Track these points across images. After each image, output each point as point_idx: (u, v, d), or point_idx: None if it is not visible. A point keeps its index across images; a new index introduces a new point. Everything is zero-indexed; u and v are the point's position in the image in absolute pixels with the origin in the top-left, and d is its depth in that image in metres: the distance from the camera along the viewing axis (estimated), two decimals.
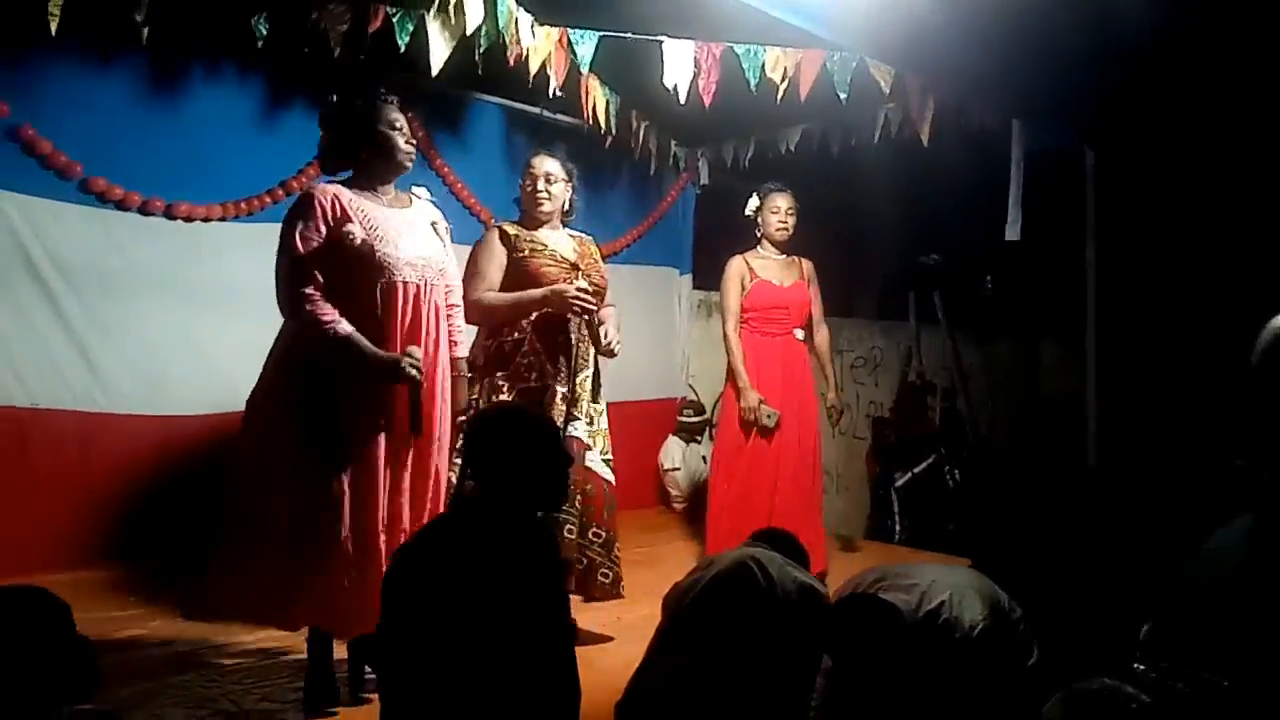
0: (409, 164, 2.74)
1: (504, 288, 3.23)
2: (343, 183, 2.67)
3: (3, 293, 3.60)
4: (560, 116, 4.95)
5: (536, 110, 4.91)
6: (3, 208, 3.58)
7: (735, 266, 4.11)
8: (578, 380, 3.22)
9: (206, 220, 4.06)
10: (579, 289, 3.15)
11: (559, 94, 4.02)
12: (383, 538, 2.54)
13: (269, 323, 2.66)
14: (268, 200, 4.16)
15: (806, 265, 4.23)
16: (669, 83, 3.91)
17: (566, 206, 3.36)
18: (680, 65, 3.92)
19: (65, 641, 1.69)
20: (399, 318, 2.59)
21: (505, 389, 3.15)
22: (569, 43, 3.87)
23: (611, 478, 3.31)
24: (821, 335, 4.29)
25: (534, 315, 3.19)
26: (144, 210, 3.90)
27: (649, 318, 5.69)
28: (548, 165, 3.33)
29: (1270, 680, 1.34)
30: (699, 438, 5.74)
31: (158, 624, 3.25)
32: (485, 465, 2.14)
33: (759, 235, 4.17)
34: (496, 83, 4.44)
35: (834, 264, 6.23)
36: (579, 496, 3.14)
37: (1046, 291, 5.26)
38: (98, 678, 1.71)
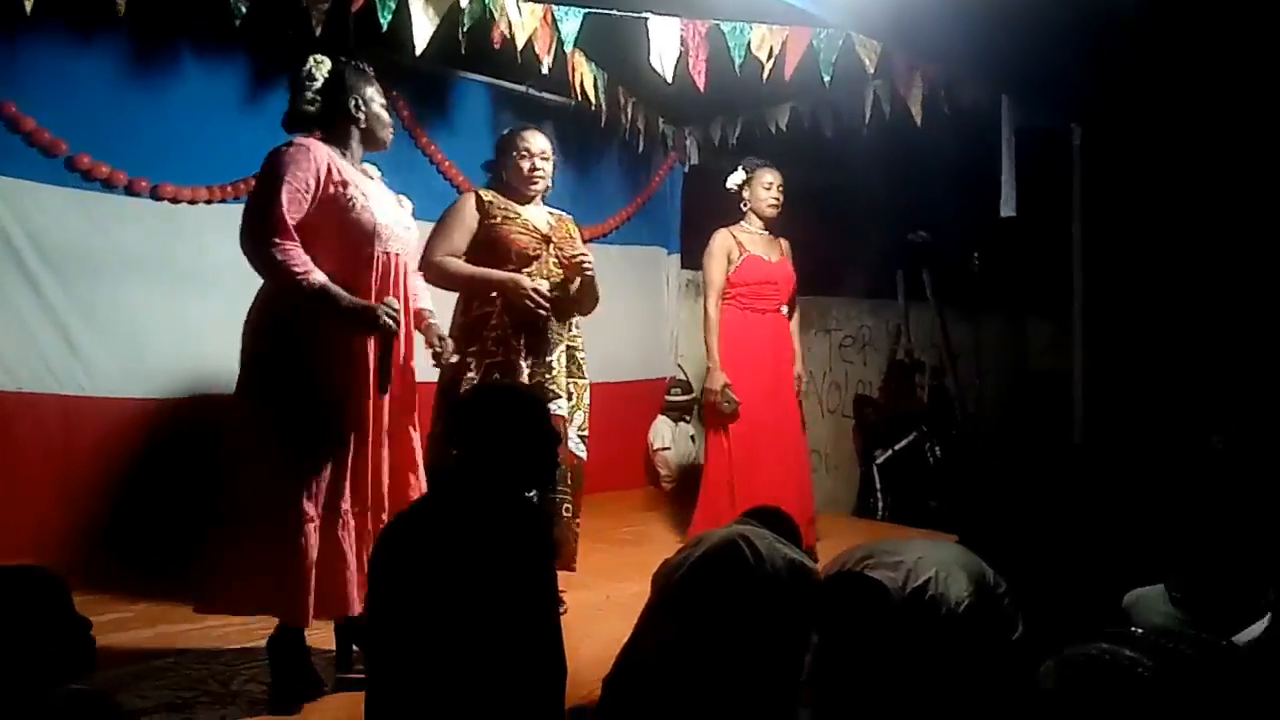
0: (388, 137, 2.71)
1: (473, 254, 3.21)
2: (321, 141, 2.57)
3: None
4: (547, 95, 4.92)
5: (523, 88, 4.88)
6: None
7: (722, 240, 4.06)
8: (550, 358, 3.19)
9: (192, 202, 4.02)
10: (535, 289, 3.10)
11: (547, 71, 3.98)
12: (352, 517, 2.52)
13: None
14: (253, 183, 4.11)
15: (785, 243, 4.21)
16: (655, 62, 3.88)
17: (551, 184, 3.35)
18: (666, 44, 3.89)
19: (63, 620, 1.70)
20: (374, 287, 2.57)
21: (472, 365, 3.13)
22: (553, 19, 3.84)
23: (583, 454, 3.30)
24: (795, 315, 4.27)
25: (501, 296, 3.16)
26: (129, 190, 3.86)
27: (637, 298, 5.68)
28: (542, 143, 3.29)
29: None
30: (688, 417, 5.75)
31: (144, 606, 3.24)
32: (474, 443, 2.14)
33: (745, 210, 4.12)
34: (482, 61, 4.40)
35: (823, 243, 6.23)
36: (567, 474, 3.14)
37: (1035, 269, 5.28)
38: (94, 657, 1.71)
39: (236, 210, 3.86)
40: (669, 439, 5.63)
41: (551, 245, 3.25)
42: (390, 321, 2.47)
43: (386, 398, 2.58)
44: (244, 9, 3.69)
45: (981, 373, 6.31)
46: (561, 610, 3.07)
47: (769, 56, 3.97)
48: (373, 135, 2.66)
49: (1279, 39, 3.34)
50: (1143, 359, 4.11)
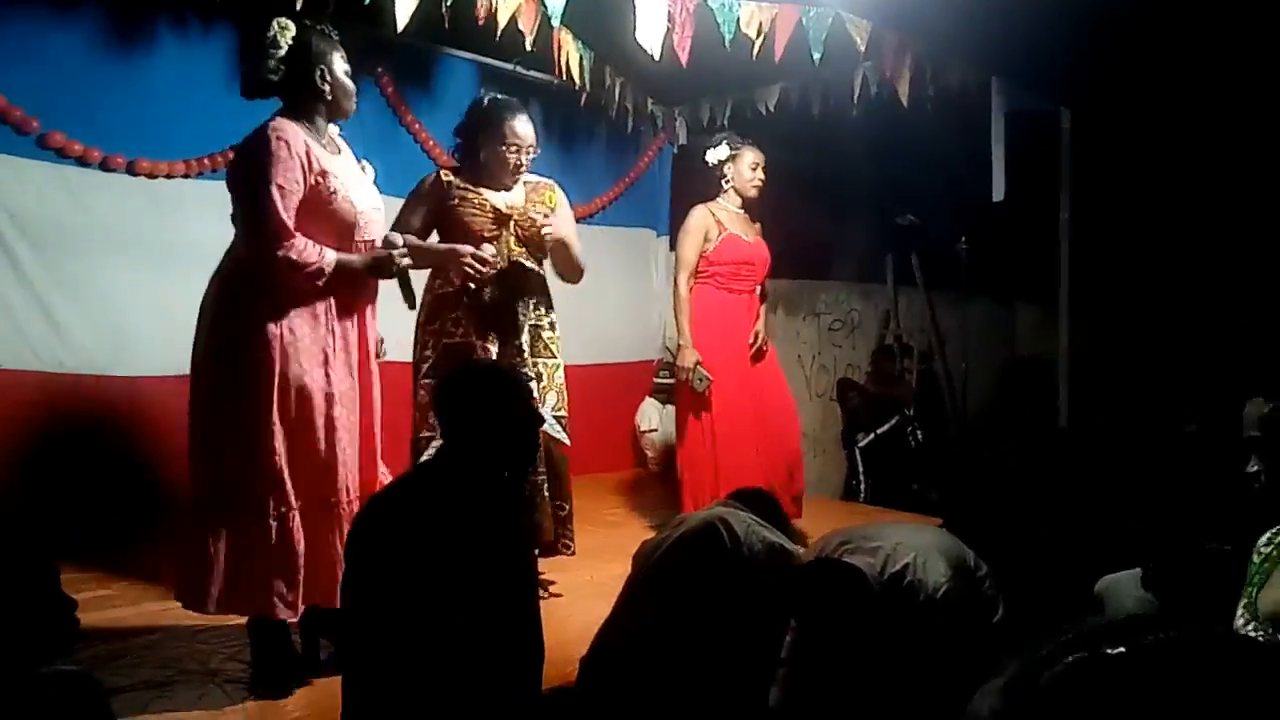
0: (351, 107, 2.62)
1: (435, 234, 3.16)
2: (290, 120, 2.49)
3: None
4: (534, 73, 4.87)
5: (510, 66, 4.82)
6: None
7: (700, 217, 3.96)
8: (518, 341, 3.13)
9: (169, 177, 3.98)
10: (474, 255, 3.00)
11: (531, 48, 3.93)
12: (325, 508, 2.48)
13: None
14: (231, 157, 4.07)
15: (757, 224, 4.16)
16: (641, 39, 3.83)
17: None
18: (653, 20, 3.84)
19: (48, 599, 1.68)
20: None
21: (431, 344, 3.10)
22: None
23: (563, 436, 3.22)
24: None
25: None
26: (104, 166, 3.82)
27: (625, 279, 5.66)
28: (531, 135, 3.18)
29: None
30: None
31: (125, 584, 3.24)
32: (453, 424, 2.12)
33: (727, 186, 4.03)
34: (468, 37, 4.35)
35: (812, 225, 6.21)
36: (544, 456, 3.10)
37: (1023, 254, 5.27)
38: (78, 637, 1.70)
39: (215, 184, 3.89)
40: (656, 421, 5.63)
41: (511, 223, 3.16)
42: (400, 263, 2.54)
43: (355, 387, 2.56)
44: None
45: (970, 357, 6.30)
46: (548, 594, 3.09)
47: (758, 33, 3.93)
48: (337, 106, 2.57)
49: (1269, 24, 3.33)
50: (1128, 344, 4.10)
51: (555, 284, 3.40)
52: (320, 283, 2.42)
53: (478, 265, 3.00)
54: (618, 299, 5.50)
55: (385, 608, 1.91)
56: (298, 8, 3.63)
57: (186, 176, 4.02)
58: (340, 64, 2.56)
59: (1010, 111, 4.08)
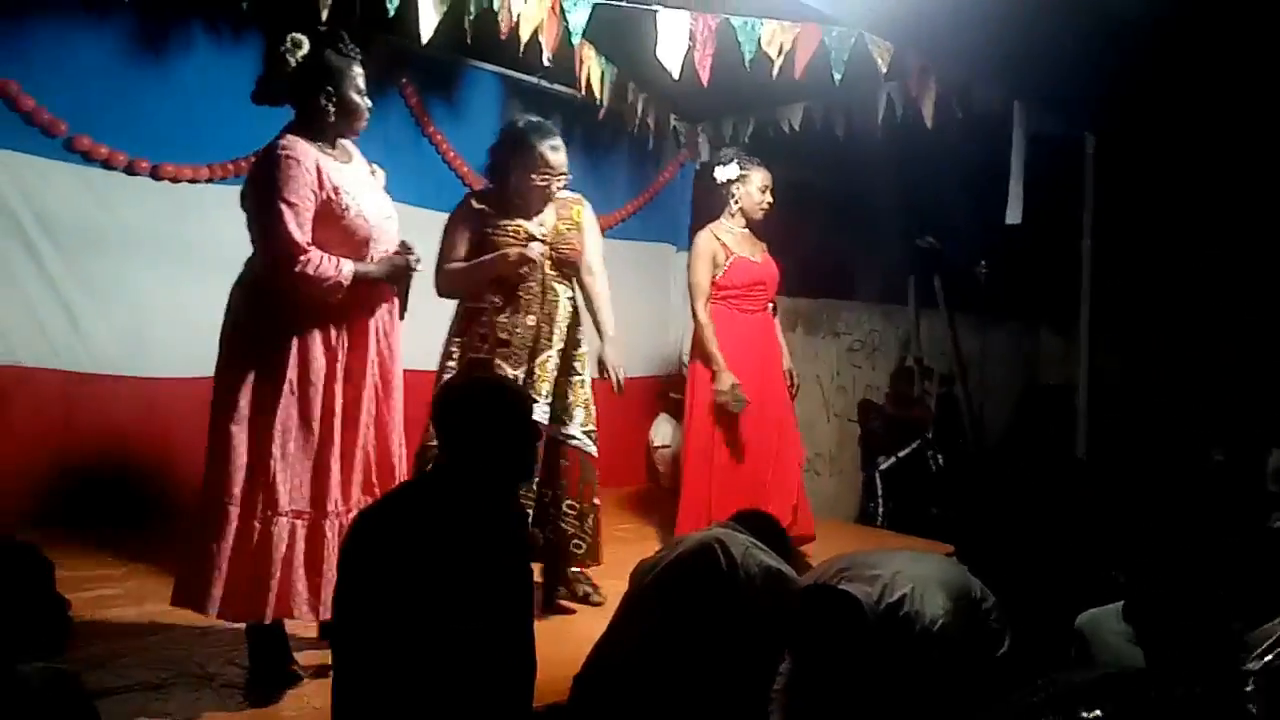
0: (361, 125, 2.62)
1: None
2: (299, 135, 2.52)
3: None
4: (558, 87, 4.89)
5: (533, 79, 4.85)
6: None
7: (706, 243, 3.95)
8: (537, 361, 3.13)
9: (193, 181, 4.04)
10: (522, 254, 3.05)
11: (548, 63, 3.94)
12: (334, 516, 2.49)
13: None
14: (252, 175, 4.10)
15: (763, 242, 4.12)
16: (662, 56, 3.85)
17: None
18: (675, 38, 3.85)
19: (41, 598, 1.69)
20: (370, 287, 2.56)
21: (455, 355, 3.12)
22: (561, 10, 3.80)
23: (592, 449, 3.26)
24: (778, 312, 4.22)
25: (496, 293, 3.12)
26: (130, 170, 3.88)
27: (643, 294, 5.64)
28: (563, 163, 3.18)
29: None
30: None
31: (132, 584, 3.26)
32: (452, 435, 2.12)
33: (734, 206, 4.00)
34: (492, 50, 4.38)
35: (833, 245, 6.19)
36: (542, 469, 3.11)
37: (1048, 279, 5.21)
38: (68, 636, 1.71)
39: (238, 189, 3.91)
40: (669, 437, 5.61)
41: (547, 248, 3.18)
42: (413, 265, 2.59)
43: (369, 399, 2.57)
44: None
45: (992, 382, 6.24)
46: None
47: (779, 53, 3.93)
48: (344, 124, 2.58)
49: None
50: (1151, 372, 4.04)
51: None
52: (340, 295, 2.45)
53: (529, 255, 3.07)
54: (635, 314, 5.47)
55: (372, 620, 1.90)
56: (323, 17, 3.69)
57: (210, 181, 4.07)
58: (352, 83, 2.55)
59: (1032, 135, 4.04)
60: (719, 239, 3.96)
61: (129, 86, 3.86)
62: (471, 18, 3.66)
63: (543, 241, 3.18)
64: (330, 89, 2.52)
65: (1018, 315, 5.77)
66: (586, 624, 2.74)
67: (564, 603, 3.30)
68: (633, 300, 5.41)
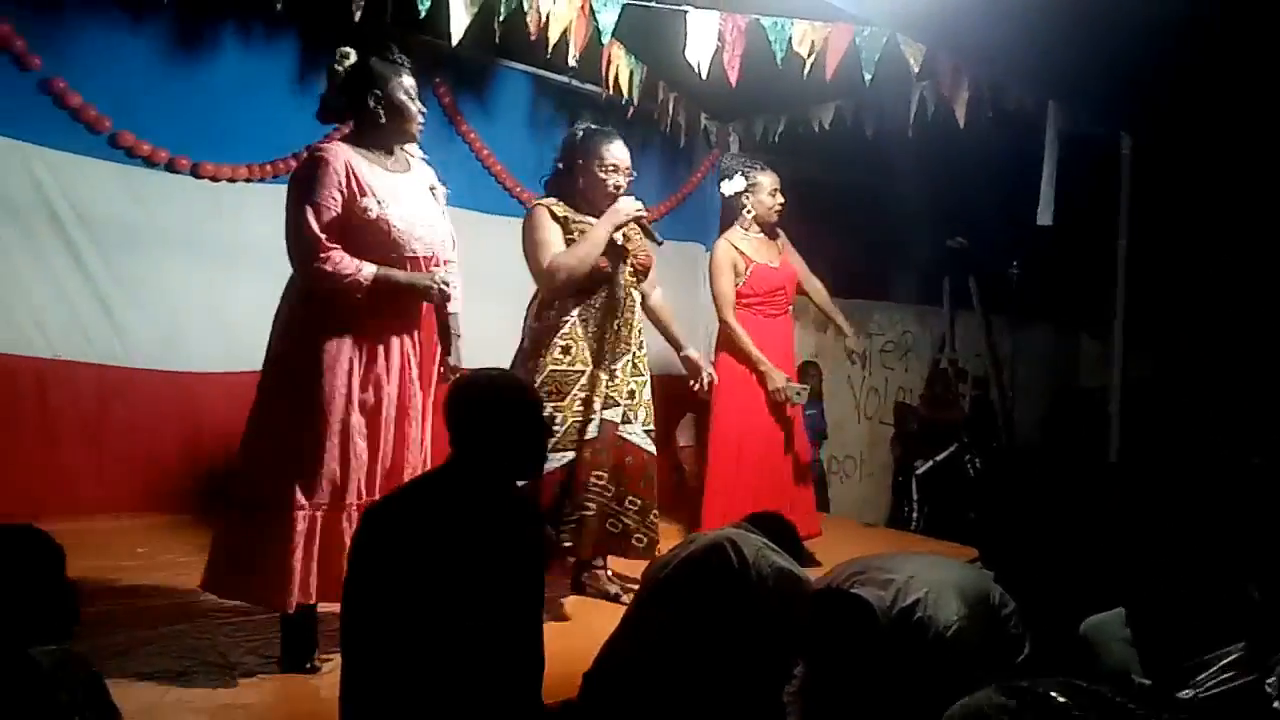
0: (419, 134, 2.68)
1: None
2: (348, 142, 2.60)
3: (27, 244, 3.68)
4: (590, 86, 4.90)
5: (565, 79, 4.86)
6: (29, 161, 3.66)
7: (726, 253, 3.94)
8: (619, 364, 3.18)
9: (232, 180, 4.12)
10: (629, 209, 3.09)
11: (575, 63, 3.96)
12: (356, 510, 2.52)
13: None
14: (292, 163, 4.17)
15: (781, 238, 4.11)
16: (690, 56, 3.85)
17: None
18: (704, 38, 3.85)
19: (50, 584, 1.74)
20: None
21: (543, 368, 3.11)
22: (591, 10, 3.82)
23: (652, 448, 3.31)
24: (816, 286, 4.19)
25: (581, 298, 3.14)
26: (170, 168, 3.96)
27: (673, 293, 5.58)
28: (627, 158, 3.20)
29: None
30: None
31: (161, 574, 3.31)
32: (462, 432, 2.13)
33: (747, 216, 3.99)
34: (525, 50, 4.40)
35: (865, 245, 6.14)
36: (610, 466, 3.16)
37: (1085, 281, 5.12)
38: (75, 622, 1.75)
39: (277, 190, 4.01)
40: (694, 437, 5.60)
41: (628, 256, 3.20)
42: (440, 286, 2.56)
43: (398, 395, 2.61)
44: None
45: (1027, 384, 6.15)
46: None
47: (810, 53, 3.92)
48: (396, 128, 2.62)
49: None
50: (1187, 375, 3.95)
51: None
52: (359, 295, 2.48)
53: (643, 216, 3.14)
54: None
55: (379, 614, 1.92)
56: (356, 18, 3.74)
57: (249, 180, 4.15)
58: (400, 88, 2.59)
59: (1066, 135, 3.97)
60: (737, 248, 3.96)
61: (169, 86, 3.94)
62: (501, 18, 3.67)
63: (625, 249, 3.19)
64: (378, 93, 2.57)
65: (1054, 317, 5.69)
66: (601, 621, 2.74)
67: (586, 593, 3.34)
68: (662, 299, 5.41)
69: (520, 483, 2.31)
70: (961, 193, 5.31)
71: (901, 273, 6.42)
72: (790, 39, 3.90)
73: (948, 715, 0.96)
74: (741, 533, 2.29)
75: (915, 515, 5.84)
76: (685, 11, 3.85)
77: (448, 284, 2.58)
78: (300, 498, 2.47)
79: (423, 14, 3.65)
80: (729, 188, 3.99)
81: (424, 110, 2.67)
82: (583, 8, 3.83)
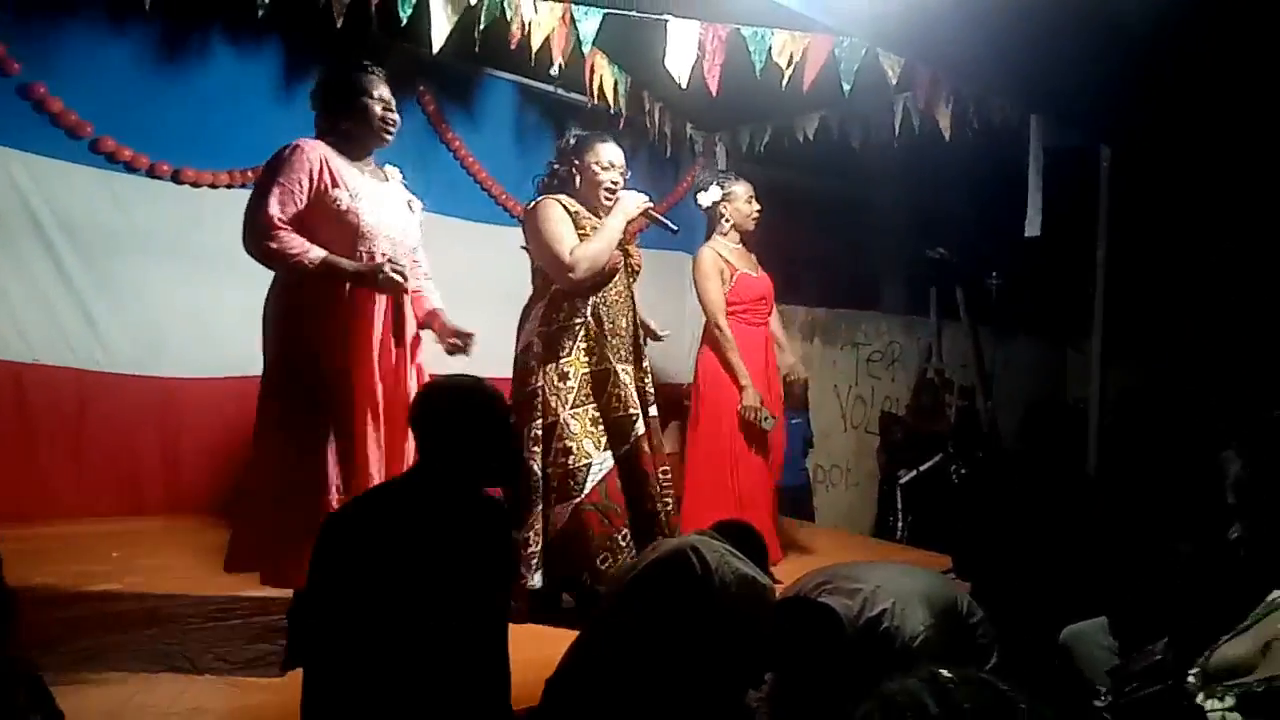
0: (387, 137, 2.70)
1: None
2: (327, 143, 2.65)
3: (7, 248, 3.69)
4: (576, 96, 4.93)
5: (550, 88, 4.88)
6: (9, 166, 3.67)
7: (712, 260, 3.94)
8: (645, 363, 3.21)
9: (213, 186, 4.13)
10: (639, 202, 3.14)
11: (558, 70, 3.98)
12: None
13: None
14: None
15: (753, 255, 4.12)
16: (670, 65, 3.87)
17: None
18: (684, 47, 3.87)
19: None
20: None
21: (574, 373, 3.09)
22: (572, 19, 3.84)
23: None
24: (775, 314, 4.21)
25: (593, 299, 3.13)
26: (151, 173, 3.98)
27: (659, 303, 5.61)
28: (620, 156, 3.22)
29: None
30: None
31: (134, 579, 3.31)
32: (428, 437, 2.13)
33: (726, 226, 4.00)
34: (509, 59, 4.42)
35: (851, 255, 6.16)
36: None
37: (1069, 292, 5.14)
38: (12, 629, 1.74)
39: None
40: (678, 443, 5.59)
41: (627, 258, 3.24)
42: (393, 276, 2.54)
43: (398, 385, 2.63)
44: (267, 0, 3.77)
45: (1013, 395, 6.15)
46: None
47: (789, 63, 3.93)
48: (364, 131, 2.67)
49: None
50: (1166, 384, 3.96)
51: None
52: (309, 276, 2.51)
53: (652, 209, 3.21)
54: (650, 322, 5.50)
55: (343, 620, 1.92)
56: (338, 24, 3.76)
57: (230, 186, 4.16)
58: (372, 98, 2.65)
59: (1048, 147, 3.99)
60: (721, 255, 3.96)
61: (151, 92, 3.96)
62: (482, 26, 3.69)
63: (627, 250, 3.24)
64: (351, 103, 2.64)
65: (1037, 328, 5.70)
66: (569, 629, 2.74)
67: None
68: (648, 309, 5.41)
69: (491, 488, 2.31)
70: (945, 203, 5.33)
71: (888, 283, 6.43)
72: (770, 49, 3.91)
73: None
74: (705, 539, 2.29)
75: (900, 525, 5.84)
76: (665, 21, 3.87)
77: (400, 272, 2.57)
78: (335, 480, 2.52)
79: (404, 20, 3.67)
80: (705, 199, 4.02)
81: (393, 116, 2.69)
82: (564, 16, 3.85)
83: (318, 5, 3.75)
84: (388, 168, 2.81)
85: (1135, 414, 4.26)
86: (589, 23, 3.84)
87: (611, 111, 4.62)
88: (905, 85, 4.18)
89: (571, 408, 3.07)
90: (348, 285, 2.57)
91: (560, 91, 4.91)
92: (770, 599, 2.27)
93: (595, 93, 4.45)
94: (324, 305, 2.56)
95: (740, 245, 4.04)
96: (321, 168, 2.55)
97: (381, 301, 2.63)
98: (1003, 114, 4.25)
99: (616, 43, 4.18)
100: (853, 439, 6.32)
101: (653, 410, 3.26)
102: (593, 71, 4.38)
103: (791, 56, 3.91)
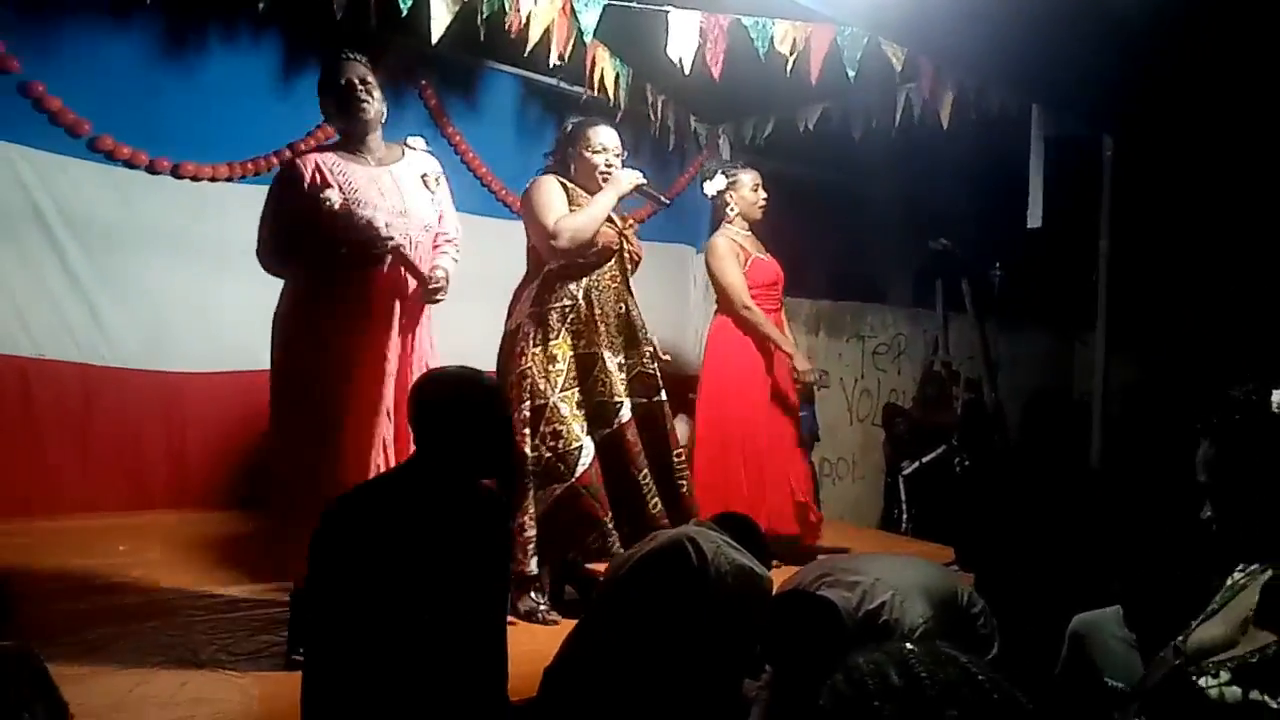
0: (367, 118, 2.69)
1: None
2: (330, 148, 2.72)
3: (11, 244, 3.71)
4: (577, 89, 4.91)
5: (552, 81, 4.87)
6: (12, 161, 3.69)
7: (728, 245, 3.95)
8: (643, 347, 3.20)
9: (213, 180, 4.14)
10: (631, 178, 3.12)
11: (559, 63, 3.96)
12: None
13: (271, 283, 2.72)
14: (274, 161, 4.20)
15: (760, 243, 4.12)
16: (673, 54, 3.85)
17: None
18: (685, 36, 3.85)
19: None
20: (379, 278, 2.64)
21: (561, 356, 3.08)
22: (572, 10, 3.82)
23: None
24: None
25: (584, 282, 3.12)
26: (151, 169, 3.99)
27: (662, 295, 5.63)
28: (615, 139, 3.22)
29: None
30: None
31: (140, 572, 3.33)
32: (425, 429, 2.13)
33: (733, 215, 4.01)
34: (511, 52, 4.42)
35: (856, 247, 6.14)
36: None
37: (1073, 285, 5.11)
38: (8, 616, 1.76)
39: (258, 189, 4.01)
40: (686, 437, 5.58)
41: (621, 233, 3.22)
42: (392, 240, 2.61)
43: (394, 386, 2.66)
44: None
45: (1020, 387, 6.12)
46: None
47: (791, 51, 3.92)
48: (347, 121, 2.70)
49: None
50: (1169, 376, 3.94)
51: None
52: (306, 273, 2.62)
53: (647, 185, 3.18)
54: (654, 315, 5.47)
55: (342, 612, 1.93)
56: (338, 18, 3.76)
57: (230, 180, 4.17)
58: (354, 77, 2.65)
59: (1050, 138, 3.97)
60: (735, 240, 3.98)
61: (151, 87, 3.97)
62: (483, 17, 3.68)
63: (623, 234, 3.22)
64: (327, 91, 2.68)
65: (1044, 321, 5.67)
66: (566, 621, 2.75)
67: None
68: (650, 301, 5.40)
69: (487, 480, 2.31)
70: (949, 195, 5.30)
71: (894, 275, 6.41)
72: (772, 38, 3.90)
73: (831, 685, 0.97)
74: (702, 530, 2.29)
75: (904, 517, 5.83)
76: (666, 11, 3.86)
77: (389, 237, 2.60)
78: (341, 475, 2.53)
79: (404, 12, 3.66)
80: (711, 187, 4.03)
81: (360, 94, 2.67)
82: (564, 8, 3.83)
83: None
84: (410, 139, 2.82)
85: (1139, 405, 4.24)
86: (590, 14, 3.81)
87: (612, 104, 4.60)
88: (910, 76, 4.16)
89: (561, 391, 3.06)
90: (355, 281, 2.61)
91: (563, 84, 4.89)
92: (767, 590, 2.27)
93: (596, 85, 4.43)
94: (332, 302, 2.61)
95: (749, 233, 4.05)
96: (312, 175, 2.62)
97: (388, 294, 2.65)
98: (1004, 104, 4.23)
99: (618, 35, 4.16)
100: (859, 432, 6.30)
101: (662, 395, 3.24)
102: (594, 64, 4.36)
103: (795, 43, 3.89)
